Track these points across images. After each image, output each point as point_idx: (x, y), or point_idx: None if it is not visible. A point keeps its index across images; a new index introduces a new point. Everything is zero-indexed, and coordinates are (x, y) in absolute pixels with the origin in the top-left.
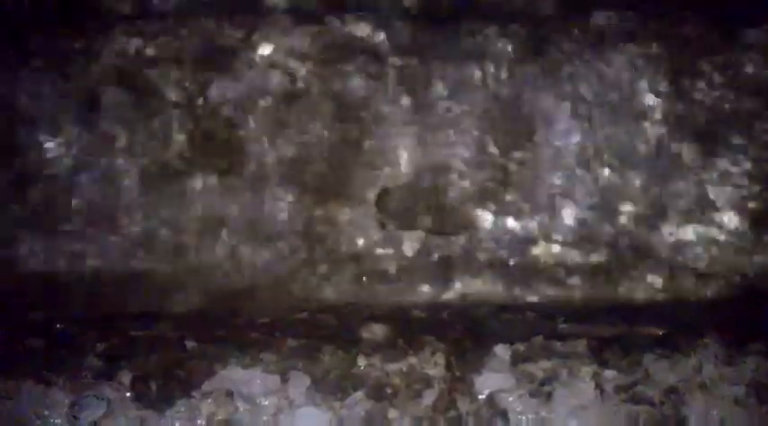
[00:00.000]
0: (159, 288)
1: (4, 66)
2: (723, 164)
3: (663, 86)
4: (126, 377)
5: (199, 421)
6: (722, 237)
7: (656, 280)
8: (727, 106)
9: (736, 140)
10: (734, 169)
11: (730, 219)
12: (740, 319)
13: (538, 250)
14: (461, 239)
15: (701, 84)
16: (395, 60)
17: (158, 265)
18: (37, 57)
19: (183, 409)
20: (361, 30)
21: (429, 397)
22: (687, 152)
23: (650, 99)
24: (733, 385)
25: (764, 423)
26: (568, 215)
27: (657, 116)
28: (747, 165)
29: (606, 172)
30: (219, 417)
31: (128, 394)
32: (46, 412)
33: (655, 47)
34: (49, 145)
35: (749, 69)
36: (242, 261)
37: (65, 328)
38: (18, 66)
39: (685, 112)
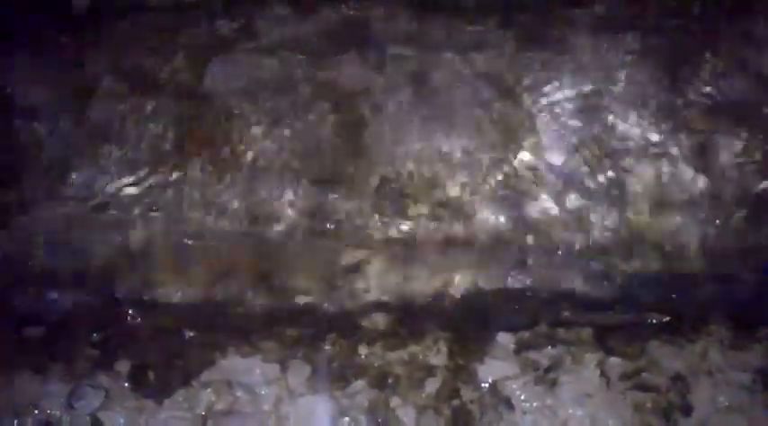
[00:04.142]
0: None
1: None
2: (723, 152)
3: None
4: (123, 367)
5: (198, 411)
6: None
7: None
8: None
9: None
10: (735, 157)
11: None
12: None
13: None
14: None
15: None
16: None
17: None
18: None
19: (181, 399)
20: None
21: (432, 386)
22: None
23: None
24: (739, 371)
25: None
26: (569, 201)
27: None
28: (749, 154)
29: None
30: (219, 407)
31: (125, 384)
32: (42, 403)
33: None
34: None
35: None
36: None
37: (60, 318)
38: None
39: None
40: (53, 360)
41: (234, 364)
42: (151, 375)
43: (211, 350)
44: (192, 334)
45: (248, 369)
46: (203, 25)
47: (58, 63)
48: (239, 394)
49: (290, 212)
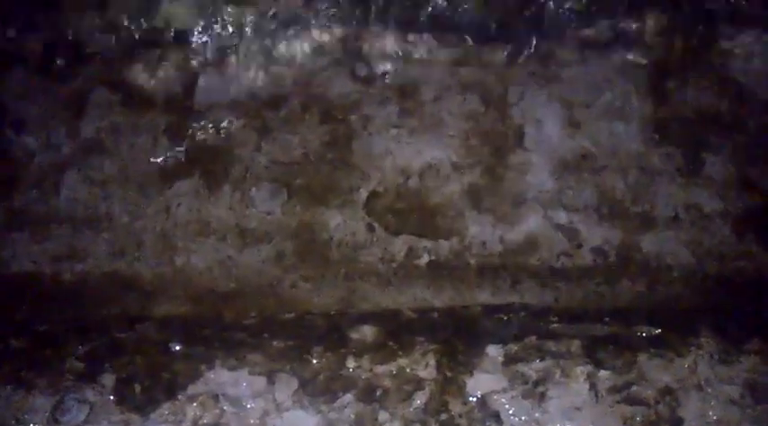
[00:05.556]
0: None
1: None
2: (708, 168)
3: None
4: (109, 380)
5: (184, 425)
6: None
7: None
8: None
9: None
10: (719, 173)
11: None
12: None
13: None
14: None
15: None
16: None
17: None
18: None
19: (167, 412)
20: None
21: (420, 399)
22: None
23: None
24: (728, 384)
25: (760, 423)
26: (559, 217)
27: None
28: (732, 169)
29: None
30: (205, 420)
31: (110, 398)
32: (27, 416)
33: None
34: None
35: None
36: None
37: (46, 329)
38: None
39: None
40: (37, 373)
41: (220, 377)
42: (137, 388)
43: (198, 362)
44: (178, 347)
45: (235, 382)
46: None
47: None
48: (226, 407)
49: None
